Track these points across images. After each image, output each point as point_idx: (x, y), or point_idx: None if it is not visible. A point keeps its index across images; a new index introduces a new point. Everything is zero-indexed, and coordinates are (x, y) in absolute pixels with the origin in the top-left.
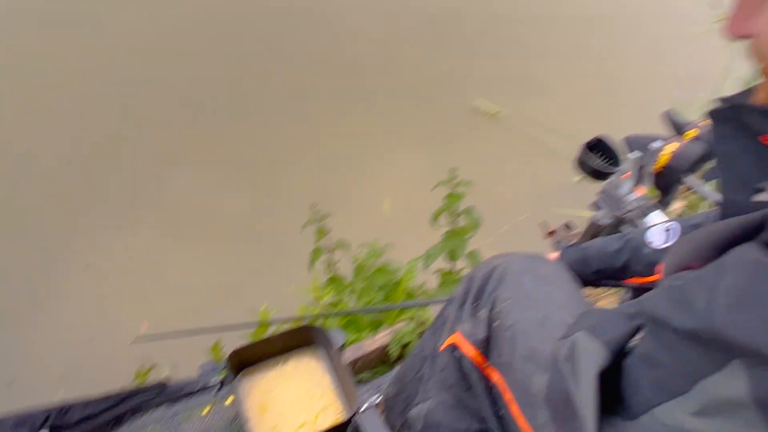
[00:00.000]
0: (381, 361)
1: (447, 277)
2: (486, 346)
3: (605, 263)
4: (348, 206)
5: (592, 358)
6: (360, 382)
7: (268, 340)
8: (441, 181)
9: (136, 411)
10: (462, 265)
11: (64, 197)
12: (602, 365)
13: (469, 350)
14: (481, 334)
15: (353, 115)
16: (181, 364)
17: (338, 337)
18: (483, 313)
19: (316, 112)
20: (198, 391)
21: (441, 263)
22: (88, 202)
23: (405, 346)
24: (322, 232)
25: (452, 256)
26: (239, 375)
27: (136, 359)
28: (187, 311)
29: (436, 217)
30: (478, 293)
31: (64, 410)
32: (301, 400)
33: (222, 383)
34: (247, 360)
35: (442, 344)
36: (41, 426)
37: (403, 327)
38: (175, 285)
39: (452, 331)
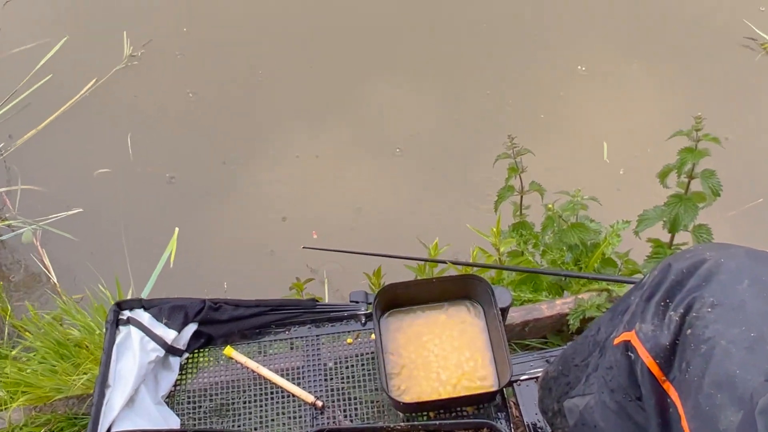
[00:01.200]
0: (556, 330)
1: (660, 251)
2: (668, 357)
3: None
4: (551, 145)
5: None
6: (526, 348)
7: (426, 282)
8: (680, 130)
9: (281, 324)
10: (683, 239)
11: (265, 103)
12: None
13: (645, 356)
14: (664, 339)
15: (579, 38)
16: (337, 283)
17: (504, 296)
18: (674, 314)
19: (534, 32)
20: (345, 318)
21: (656, 231)
22: (286, 109)
23: (587, 320)
24: (514, 170)
25: (673, 226)
26: (388, 312)
27: (299, 268)
28: (355, 229)
29: (664, 175)
30: (673, 288)
31: (216, 306)
32: (447, 356)
33: (369, 316)
34: (399, 298)
35: (616, 336)
36: (195, 316)
37: (589, 299)
38: (349, 199)
39: (630, 326)
